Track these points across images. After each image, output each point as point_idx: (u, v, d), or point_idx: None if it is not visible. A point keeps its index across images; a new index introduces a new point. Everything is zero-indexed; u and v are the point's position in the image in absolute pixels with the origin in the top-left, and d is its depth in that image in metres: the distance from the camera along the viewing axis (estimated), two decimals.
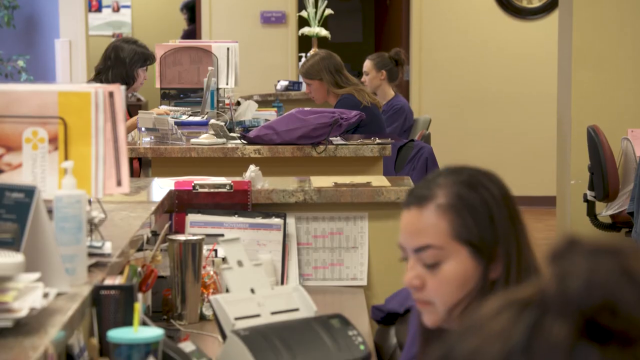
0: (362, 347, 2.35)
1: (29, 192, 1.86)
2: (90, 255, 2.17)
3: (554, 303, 0.86)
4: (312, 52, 6.93)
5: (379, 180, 3.69)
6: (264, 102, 7.83)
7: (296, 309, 2.45)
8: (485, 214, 1.76)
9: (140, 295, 2.36)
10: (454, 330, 0.91)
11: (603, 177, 5.87)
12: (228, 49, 5.97)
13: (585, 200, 6.12)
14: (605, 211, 6.07)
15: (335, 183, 3.54)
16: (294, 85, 8.57)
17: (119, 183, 2.24)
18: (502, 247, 1.76)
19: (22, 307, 1.65)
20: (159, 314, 2.89)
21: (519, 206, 1.81)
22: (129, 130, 5.25)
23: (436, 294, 1.77)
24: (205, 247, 2.95)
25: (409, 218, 1.80)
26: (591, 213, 6.12)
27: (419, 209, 1.79)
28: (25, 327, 1.69)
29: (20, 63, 8.40)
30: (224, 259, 2.85)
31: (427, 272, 1.78)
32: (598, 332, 0.84)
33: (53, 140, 2.23)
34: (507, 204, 1.78)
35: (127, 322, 2.02)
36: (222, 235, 3.21)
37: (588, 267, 0.86)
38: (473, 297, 1.74)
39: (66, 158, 2.23)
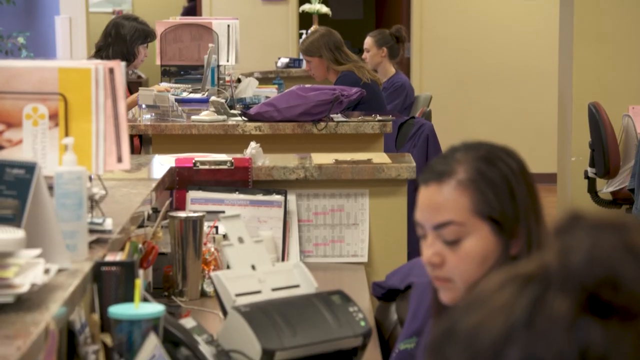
0: (362, 323, 2.35)
1: (30, 168, 1.86)
2: (91, 231, 2.17)
3: (556, 278, 0.86)
4: (312, 29, 6.91)
5: (379, 157, 3.69)
6: (264, 79, 7.82)
7: (297, 286, 2.45)
8: (506, 189, 1.75)
9: (141, 272, 2.36)
10: (457, 305, 0.91)
11: (604, 153, 5.87)
12: (228, 25, 5.95)
13: (586, 177, 6.12)
14: (606, 188, 6.07)
15: (336, 160, 3.54)
16: (294, 63, 8.55)
17: (119, 159, 2.23)
18: (523, 222, 1.74)
19: (23, 282, 1.65)
20: (160, 290, 2.90)
21: (535, 182, 1.80)
22: (130, 107, 5.24)
23: (456, 270, 1.75)
24: (206, 224, 2.95)
25: (427, 194, 1.77)
26: (592, 190, 6.11)
27: (439, 184, 1.76)
28: (27, 302, 1.69)
29: (21, 40, 8.38)
30: (224, 236, 2.85)
31: (447, 248, 1.75)
32: (600, 307, 0.84)
33: (53, 116, 2.22)
34: (525, 179, 1.77)
35: (128, 298, 2.02)
36: (223, 212, 3.21)
37: (590, 242, 0.86)
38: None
39: (67, 134, 2.22)
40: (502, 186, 1.74)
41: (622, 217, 0.90)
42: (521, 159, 1.81)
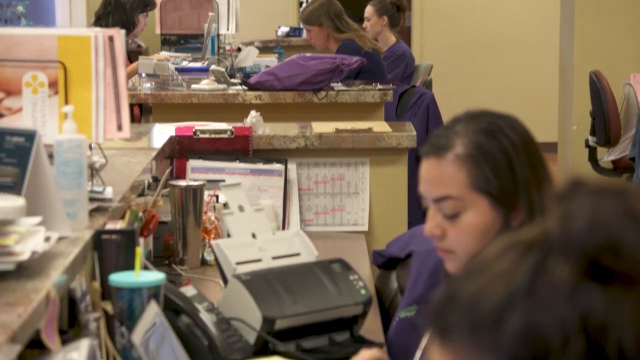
0: (363, 291, 2.35)
1: (30, 136, 1.85)
2: (91, 200, 2.16)
3: (557, 244, 0.86)
4: None
5: (380, 126, 3.68)
6: (264, 48, 7.80)
7: (297, 254, 2.45)
8: (505, 163, 1.73)
9: (141, 240, 2.36)
10: (458, 272, 0.91)
11: (605, 122, 5.86)
12: None
13: (587, 145, 6.11)
14: (606, 157, 6.07)
15: (337, 129, 3.53)
16: (294, 32, 8.53)
17: (119, 128, 2.23)
18: (523, 194, 1.73)
19: (24, 250, 1.65)
20: (161, 259, 2.90)
21: (540, 150, 1.79)
22: (130, 76, 5.22)
23: (457, 243, 1.76)
24: (206, 193, 2.95)
25: (427, 167, 1.77)
26: (592, 159, 6.11)
27: (437, 158, 1.76)
28: (27, 270, 1.69)
29: (20, 8, 8.34)
30: (225, 204, 2.85)
31: (447, 222, 1.76)
32: (601, 273, 0.84)
33: (53, 84, 2.22)
34: (527, 150, 1.75)
35: (129, 266, 2.02)
36: (223, 180, 3.21)
37: (591, 208, 0.86)
38: None
39: (66, 102, 2.22)
40: (501, 160, 1.73)
41: (623, 184, 0.90)
42: (524, 128, 1.79)
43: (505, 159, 1.73)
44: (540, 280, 0.85)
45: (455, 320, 0.87)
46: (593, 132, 6.03)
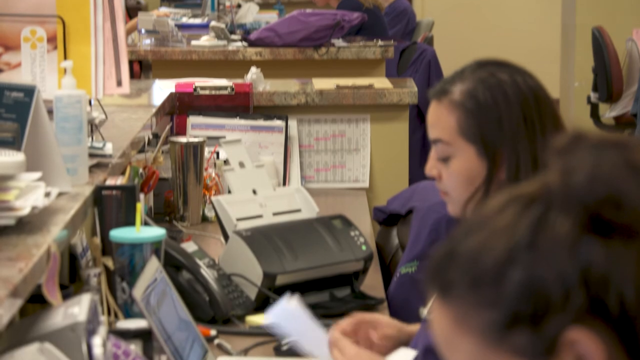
0: (364, 247, 2.36)
1: (29, 91, 1.84)
2: (91, 156, 2.16)
3: (558, 198, 0.85)
4: None
5: (381, 82, 3.67)
6: (265, 4, 7.75)
7: (298, 210, 2.45)
8: (494, 114, 1.76)
9: (142, 196, 2.36)
10: (459, 226, 0.90)
11: (607, 78, 5.84)
12: None
13: (589, 102, 6.09)
14: (608, 113, 6.06)
15: (337, 85, 3.52)
16: None
17: (119, 83, 2.22)
18: (509, 149, 1.75)
19: (24, 205, 1.65)
20: (161, 215, 2.90)
21: (549, 106, 1.78)
22: (129, 32, 5.20)
23: (449, 186, 1.82)
24: (206, 149, 2.95)
25: (430, 110, 1.84)
26: (594, 115, 6.10)
27: (437, 102, 1.82)
28: (28, 225, 1.69)
29: None
30: (225, 161, 2.84)
31: (441, 164, 1.82)
32: (602, 226, 0.83)
33: (52, 39, 2.20)
34: (524, 106, 1.76)
35: (129, 222, 2.02)
36: (224, 137, 3.20)
37: (592, 161, 0.86)
38: (483, 194, 1.76)
39: (65, 58, 2.20)
40: (490, 113, 1.76)
41: (624, 137, 0.89)
42: (531, 85, 1.78)
43: (495, 111, 1.76)
44: (541, 234, 0.84)
45: (456, 275, 0.87)
46: (595, 89, 6.01)
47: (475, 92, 1.77)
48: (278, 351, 2.01)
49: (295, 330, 1.72)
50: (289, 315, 1.70)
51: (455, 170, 1.79)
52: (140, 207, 2.00)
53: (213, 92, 3.41)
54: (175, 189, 2.89)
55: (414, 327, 1.99)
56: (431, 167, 1.83)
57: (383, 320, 1.98)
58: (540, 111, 1.78)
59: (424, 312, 1.84)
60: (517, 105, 1.76)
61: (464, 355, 0.87)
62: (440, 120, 1.80)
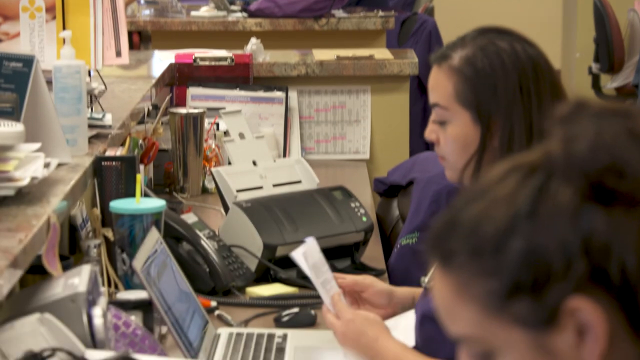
0: (364, 218, 2.35)
1: (28, 61, 1.83)
2: (91, 126, 2.15)
3: (560, 166, 0.85)
4: None
5: (382, 53, 3.65)
6: None
7: (298, 181, 2.44)
8: (489, 82, 1.76)
9: (142, 167, 2.35)
10: (460, 195, 0.90)
11: (609, 48, 5.82)
12: None
13: (590, 72, 6.08)
14: (610, 84, 6.04)
15: (338, 56, 3.51)
16: None
17: (118, 54, 2.21)
18: (503, 117, 1.75)
19: (24, 176, 1.64)
20: (161, 187, 2.90)
21: (548, 76, 1.78)
22: (128, 3, 5.17)
23: (446, 151, 1.83)
24: (206, 120, 2.94)
25: (431, 74, 1.85)
26: (596, 86, 6.09)
27: (438, 67, 1.83)
28: (28, 196, 1.69)
29: None
30: (225, 132, 2.84)
31: (439, 128, 1.83)
32: (603, 195, 0.83)
33: (50, 9, 2.19)
34: (521, 75, 1.76)
35: (129, 193, 2.02)
36: (224, 108, 3.19)
37: (594, 129, 0.85)
38: (477, 161, 1.76)
39: (64, 28, 2.19)
40: (486, 79, 1.77)
41: (626, 105, 0.89)
42: (530, 55, 1.78)
43: (491, 78, 1.77)
44: (542, 203, 0.84)
45: (457, 245, 0.86)
46: (597, 59, 5.99)
47: (473, 59, 1.78)
48: (278, 322, 2.01)
49: (312, 265, 1.75)
50: (308, 248, 1.76)
51: (451, 135, 1.80)
52: (140, 178, 2.00)
53: (213, 63, 3.39)
54: (175, 160, 2.88)
55: (405, 291, 2.02)
56: (430, 131, 1.85)
57: (375, 288, 2.00)
58: (538, 80, 1.77)
59: (425, 280, 1.84)
60: (514, 73, 1.76)
61: (465, 324, 0.87)
62: (439, 84, 1.81)
